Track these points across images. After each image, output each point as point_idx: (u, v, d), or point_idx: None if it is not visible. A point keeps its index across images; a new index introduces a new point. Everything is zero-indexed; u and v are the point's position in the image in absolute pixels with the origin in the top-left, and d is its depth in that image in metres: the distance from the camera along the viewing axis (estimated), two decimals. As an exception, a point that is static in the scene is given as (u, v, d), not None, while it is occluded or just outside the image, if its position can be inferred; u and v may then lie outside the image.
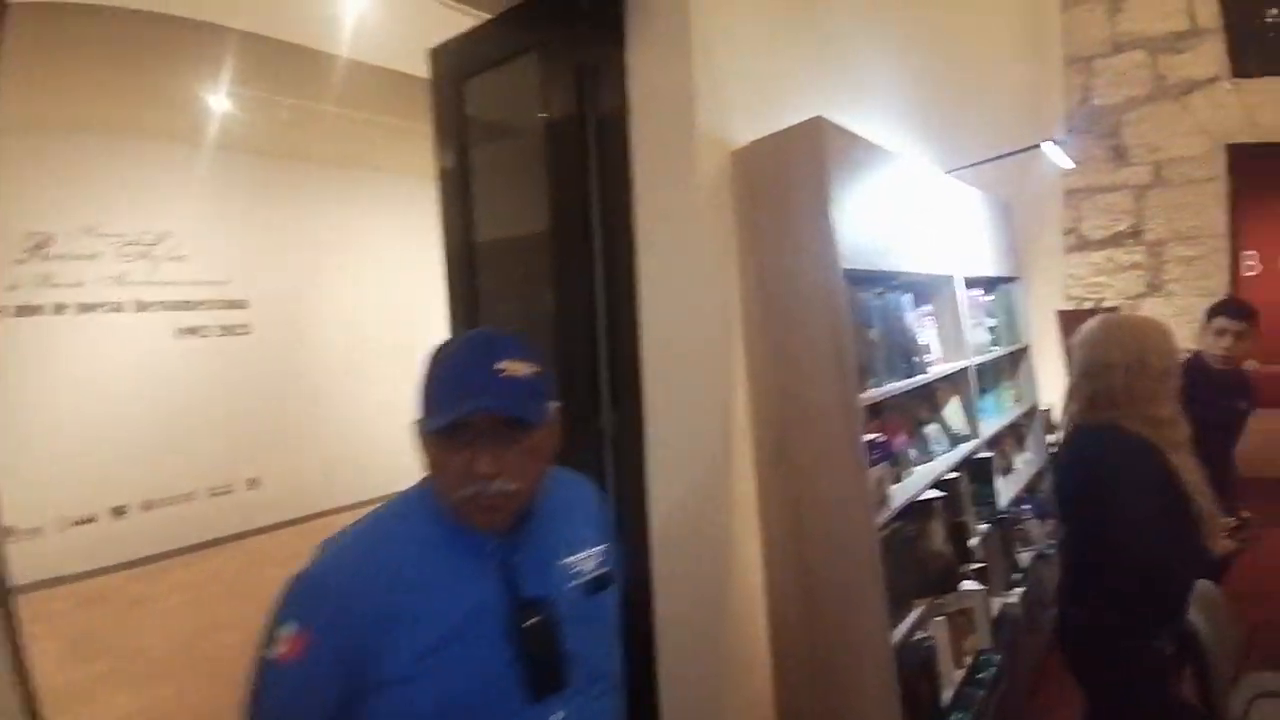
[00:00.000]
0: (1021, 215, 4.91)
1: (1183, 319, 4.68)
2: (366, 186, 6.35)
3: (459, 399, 0.81)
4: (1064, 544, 1.70)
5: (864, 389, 1.73)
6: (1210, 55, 4.40)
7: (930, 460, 2.12)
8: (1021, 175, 4.47)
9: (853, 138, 1.72)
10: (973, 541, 2.11)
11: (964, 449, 2.31)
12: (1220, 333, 2.41)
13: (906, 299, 2.12)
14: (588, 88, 1.74)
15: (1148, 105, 4.65)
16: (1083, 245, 5.00)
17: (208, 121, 4.78)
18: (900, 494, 1.78)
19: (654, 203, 1.70)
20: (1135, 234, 4.80)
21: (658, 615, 1.78)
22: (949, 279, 2.41)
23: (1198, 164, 4.53)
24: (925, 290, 2.39)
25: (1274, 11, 4.29)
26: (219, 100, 4.54)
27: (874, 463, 1.59)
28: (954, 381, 2.43)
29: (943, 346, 2.43)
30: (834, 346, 1.56)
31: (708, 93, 1.62)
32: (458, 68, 1.99)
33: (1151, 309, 4.77)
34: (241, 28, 3.48)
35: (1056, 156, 2.60)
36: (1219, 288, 4.57)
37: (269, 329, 5.82)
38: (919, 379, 2.02)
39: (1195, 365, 2.42)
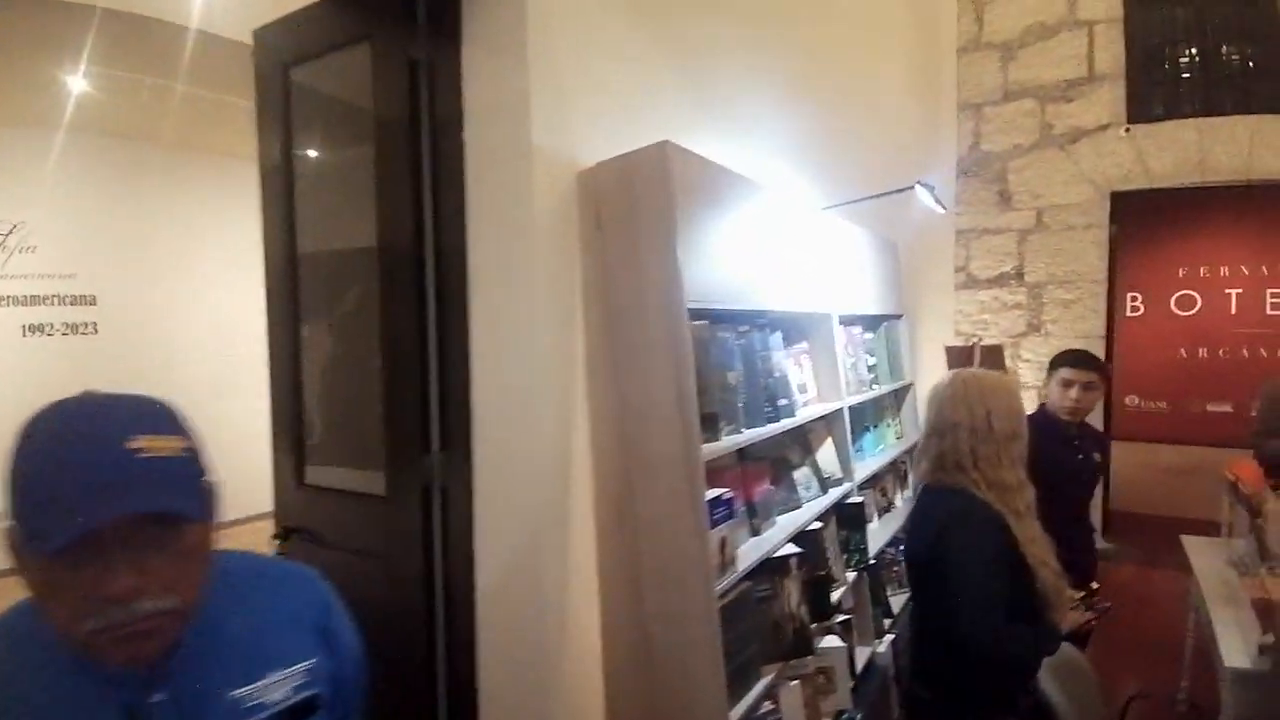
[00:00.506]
0: (916, 252, 5.04)
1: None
2: (241, 176, 5.86)
3: (81, 499, 0.57)
4: (912, 614, 1.61)
5: (719, 436, 1.59)
6: (1103, 103, 4.63)
7: (797, 508, 2.01)
8: (916, 214, 4.58)
9: (709, 165, 1.59)
10: (838, 594, 2.01)
11: (835, 493, 2.22)
12: (1066, 384, 2.35)
13: (775, 338, 2.01)
14: (422, 87, 1.53)
15: (1033, 152, 4.86)
16: (971, 283, 5.17)
17: (64, 104, 4.38)
18: (756, 549, 1.65)
19: (490, 222, 1.51)
20: (1018, 275, 5.00)
21: (481, 688, 1.57)
22: (825, 317, 2.33)
23: (1078, 211, 4.76)
24: (799, 328, 2.30)
25: (1167, 62, 4.57)
26: (76, 81, 4.12)
27: (718, 521, 1.44)
28: (829, 422, 2.35)
29: (818, 386, 2.36)
30: (676, 393, 1.41)
31: (550, 104, 1.45)
32: (281, 53, 1.74)
33: (1031, 348, 4.98)
34: (103, 4, 3.08)
35: (926, 199, 2.59)
36: (1095, 330, 4.80)
37: (119, 329, 5.25)
38: (786, 423, 1.91)
39: (1041, 420, 2.34)
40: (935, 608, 1.41)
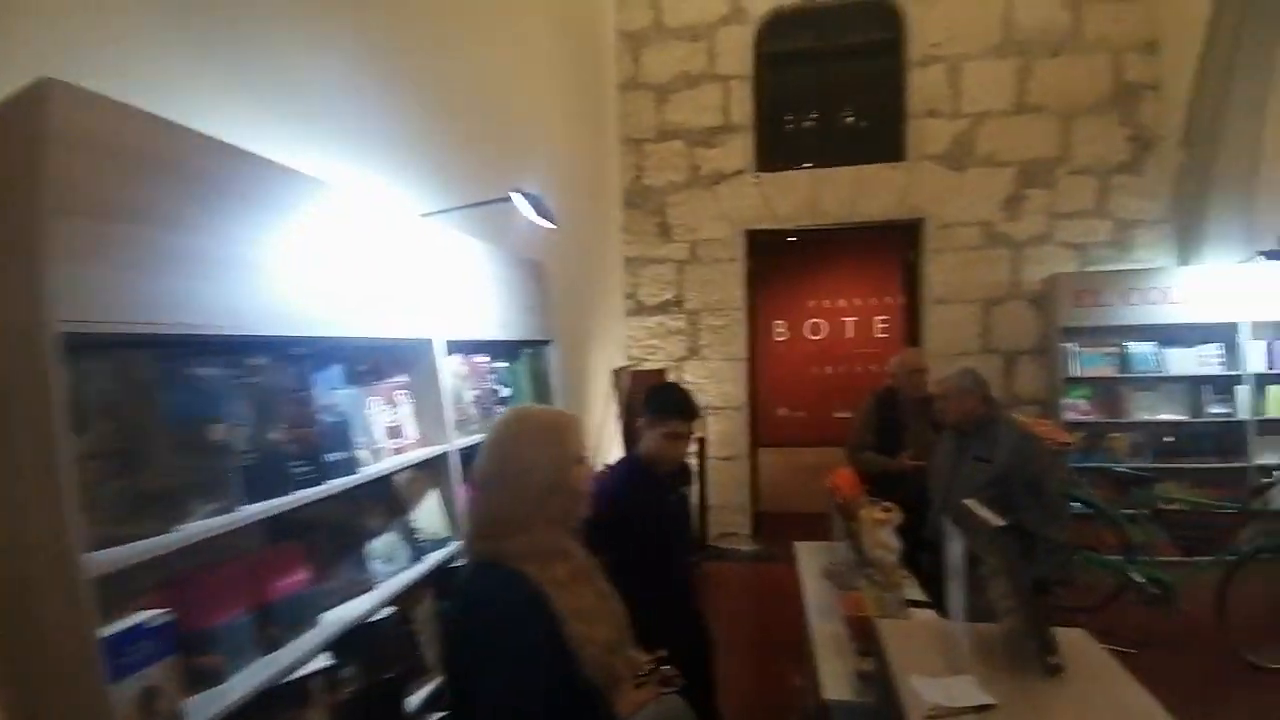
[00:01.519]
0: (584, 278, 5.06)
1: (711, 381, 5.30)
2: None
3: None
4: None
5: (187, 518, 1.08)
6: (739, 150, 5.12)
7: (365, 590, 1.57)
8: (585, 238, 4.57)
9: (162, 130, 1.09)
10: (418, 697, 1.60)
11: (436, 557, 1.83)
12: (677, 437, 2.11)
13: (331, 373, 1.56)
14: None
15: (685, 190, 5.22)
16: (640, 310, 5.35)
17: None
18: (251, 678, 1.16)
19: None
20: (679, 302, 5.30)
21: None
22: (425, 343, 1.95)
23: (723, 245, 5.21)
24: (394, 358, 1.89)
25: (789, 118, 5.23)
26: None
27: (135, 665, 0.93)
28: (435, 469, 1.97)
29: (420, 427, 1.96)
30: (42, 463, 0.87)
31: None
32: None
33: (691, 370, 5.30)
34: None
35: (524, 208, 2.41)
36: (739, 353, 5.26)
37: None
38: (338, 484, 1.46)
39: (635, 470, 2.18)
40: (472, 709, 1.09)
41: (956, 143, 4.88)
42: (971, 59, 4.82)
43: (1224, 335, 4.36)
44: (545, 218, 2.50)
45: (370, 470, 1.61)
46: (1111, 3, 4.67)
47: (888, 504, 2.48)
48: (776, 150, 5.22)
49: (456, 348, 2.14)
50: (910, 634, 1.68)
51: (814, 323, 9.30)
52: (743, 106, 5.13)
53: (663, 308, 5.32)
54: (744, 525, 5.30)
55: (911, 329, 5.27)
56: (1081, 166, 4.76)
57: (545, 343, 3.05)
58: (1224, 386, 4.38)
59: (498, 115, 3.27)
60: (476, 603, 1.08)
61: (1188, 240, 4.59)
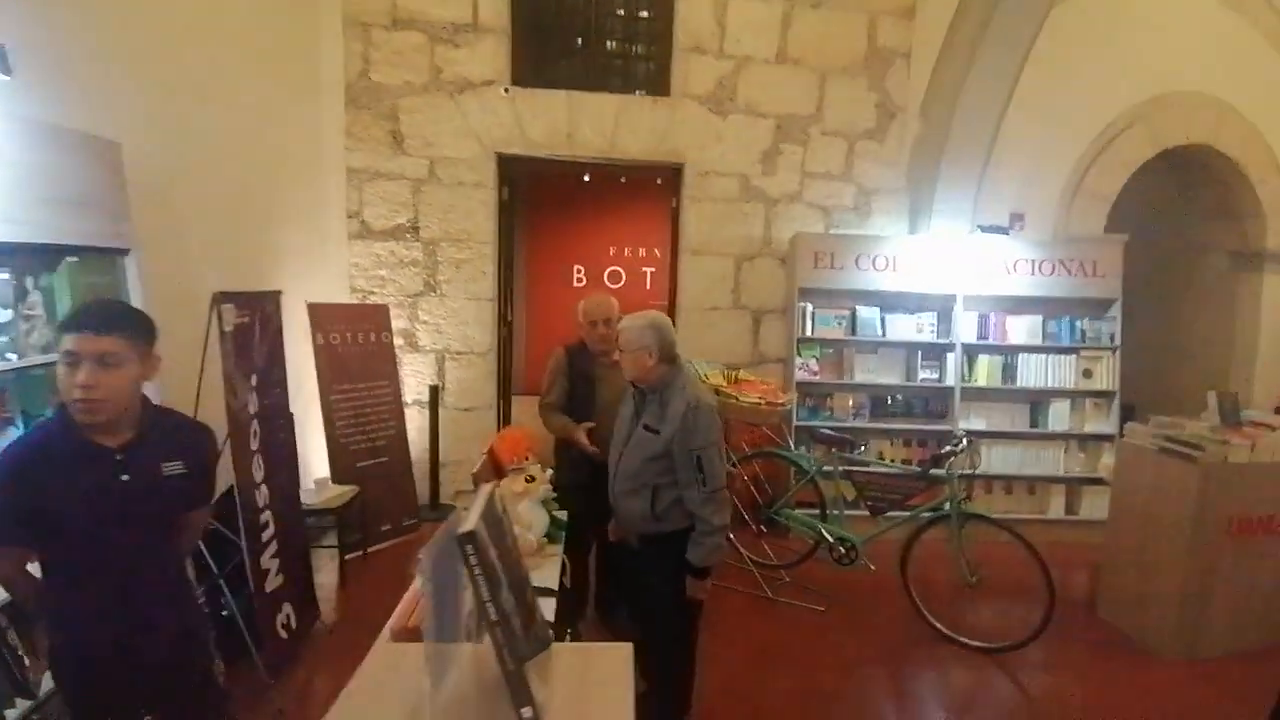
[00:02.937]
0: (294, 192, 4.16)
1: (451, 322, 4.70)
2: None
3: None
4: None
5: None
6: (489, 56, 4.42)
7: None
8: (284, 138, 3.65)
9: None
10: None
11: None
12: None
13: None
14: None
15: (424, 95, 4.44)
16: (366, 233, 4.55)
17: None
18: None
19: None
20: (414, 229, 4.57)
21: None
22: None
23: (469, 167, 4.54)
24: None
25: (550, 27, 4.58)
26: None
27: None
28: None
29: None
30: None
31: None
32: None
33: (429, 309, 4.64)
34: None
35: None
36: (486, 293, 4.69)
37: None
38: None
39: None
40: None
41: (721, 85, 4.61)
42: (739, -4, 4.53)
43: (943, 305, 4.60)
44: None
45: None
46: (874, -40, 4.60)
47: (532, 473, 2.10)
48: (532, 65, 4.60)
49: None
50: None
51: (578, 269, 8.87)
52: (496, 4, 4.43)
53: (394, 233, 4.56)
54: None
55: (672, 282, 5.04)
56: (833, 128, 4.73)
57: (120, 252, 2.25)
58: (937, 353, 4.64)
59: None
60: None
61: (918, 210, 4.76)
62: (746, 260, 4.81)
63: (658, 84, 4.69)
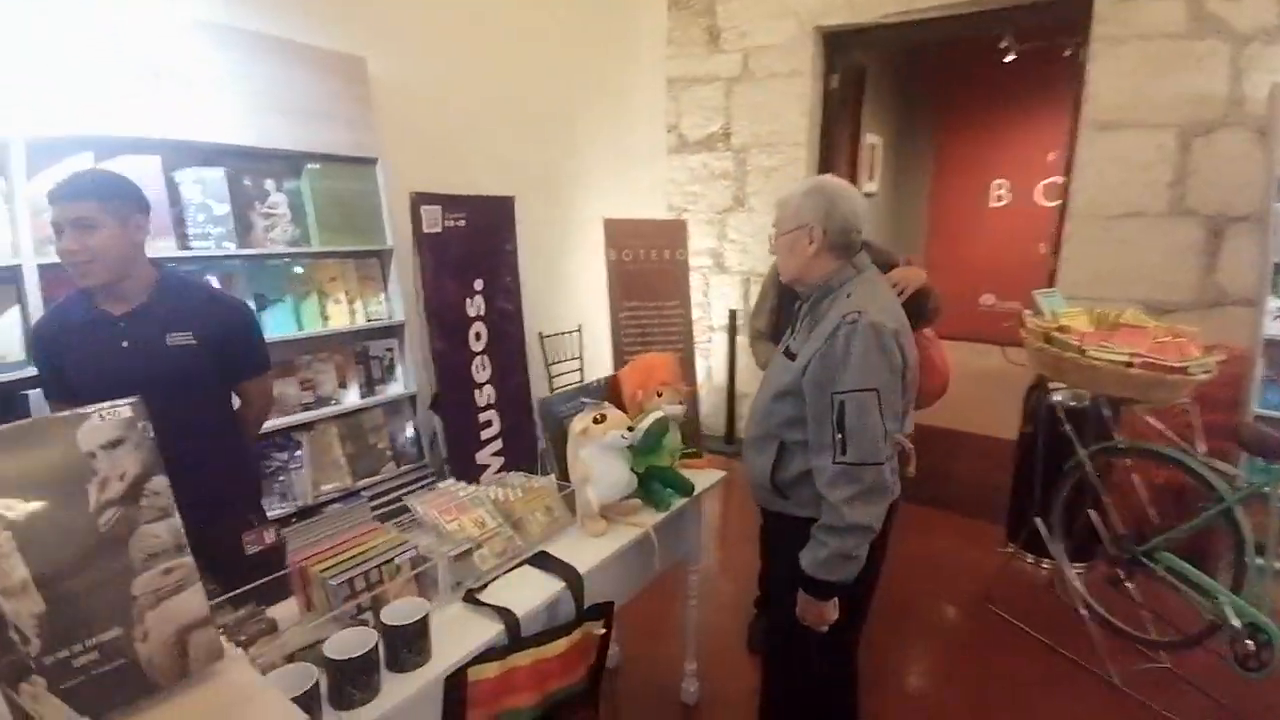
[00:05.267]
0: (602, 107, 4.20)
1: (760, 238, 4.20)
2: None
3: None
4: None
5: None
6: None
7: None
8: (597, 57, 3.63)
9: None
10: None
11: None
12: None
13: None
14: None
15: (741, -24, 3.91)
16: (683, 146, 4.36)
17: None
18: None
19: None
20: (725, 136, 4.17)
21: None
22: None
23: (781, 54, 3.87)
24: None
25: None
26: None
27: None
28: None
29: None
30: None
31: None
32: None
33: (737, 225, 4.25)
34: None
35: None
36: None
37: None
38: None
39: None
40: None
41: None
42: None
43: None
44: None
45: None
46: None
47: (604, 410, 1.63)
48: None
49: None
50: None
51: (999, 185, 6.85)
52: None
53: (708, 143, 4.25)
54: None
55: (1066, 175, 3.48)
56: None
57: (370, 161, 2.54)
58: None
59: None
60: None
61: None
62: (1198, 136, 2.95)
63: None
